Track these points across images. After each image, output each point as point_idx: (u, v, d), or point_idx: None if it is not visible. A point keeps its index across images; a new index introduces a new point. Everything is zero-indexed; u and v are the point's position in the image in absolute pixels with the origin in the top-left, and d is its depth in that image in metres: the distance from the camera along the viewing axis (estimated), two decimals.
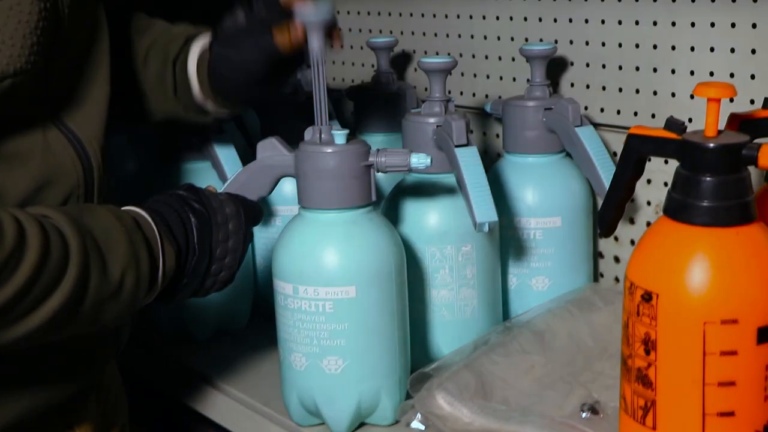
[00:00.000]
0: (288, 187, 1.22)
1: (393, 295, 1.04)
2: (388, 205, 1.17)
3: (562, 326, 1.13)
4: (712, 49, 1.13)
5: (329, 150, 1.01)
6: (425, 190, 1.14)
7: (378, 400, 1.05)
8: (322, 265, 1.01)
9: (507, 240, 1.22)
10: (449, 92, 1.17)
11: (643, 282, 0.82)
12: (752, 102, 1.07)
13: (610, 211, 0.95)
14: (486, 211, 1.05)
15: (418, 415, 1.00)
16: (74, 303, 0.82)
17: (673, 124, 0.85)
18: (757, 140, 0.84)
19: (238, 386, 1.20)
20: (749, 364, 0.78)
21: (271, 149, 1.06)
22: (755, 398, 0.80)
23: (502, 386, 1.02)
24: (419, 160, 1.02)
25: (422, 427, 0.99)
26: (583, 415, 0.99)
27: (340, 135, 1.02)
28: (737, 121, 0.91)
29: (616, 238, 1.29)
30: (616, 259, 1.31)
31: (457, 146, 1.08)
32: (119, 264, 0.86)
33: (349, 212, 1.03)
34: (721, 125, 0.83)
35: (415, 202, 1.14)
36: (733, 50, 1.11)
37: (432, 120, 1.13)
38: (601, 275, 1.33)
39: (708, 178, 0.80)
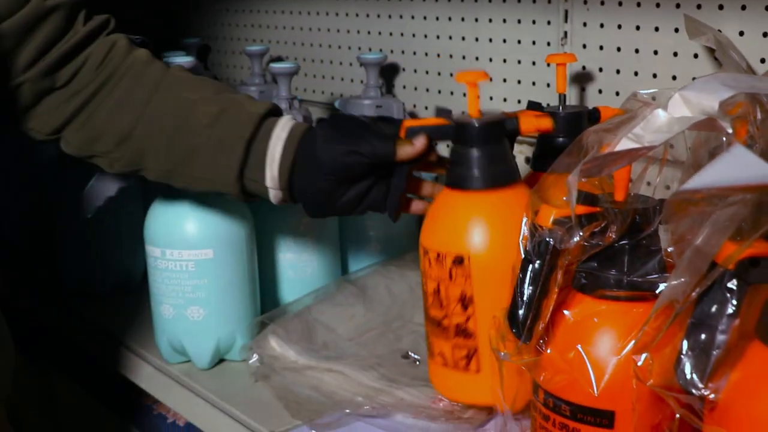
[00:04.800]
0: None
1: (244, 256, 1.08)
2: None
3: (382, 282, 1.17)
4: (504, 60, 1.19)
5: None
6: None
7: (233, 342, 1.08)
8: (184, 233, 1.04)
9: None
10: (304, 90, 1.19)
11: (451, 248, 0.83)
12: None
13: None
14: None
15: (255, 355, 1.03)
16: None
17: (442, 111, 0.87)
18: None
19: (123, 332, 1.22)
20: None
21: None
22: None
23: (325, 332, 1.07)
24: None
25: (258, 364, 1.03)
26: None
27: None
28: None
29: None
30: None
31: None
32: None
33: None
34: None
35: None
36: (519, 62, 1.17)
37: None
38: None
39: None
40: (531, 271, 0.70)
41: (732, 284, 0.57)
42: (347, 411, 0.95)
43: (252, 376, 1.03)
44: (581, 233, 0.66)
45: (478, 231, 0.82)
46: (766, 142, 0.73)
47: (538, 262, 0.69)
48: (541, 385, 0.73)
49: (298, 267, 1.18)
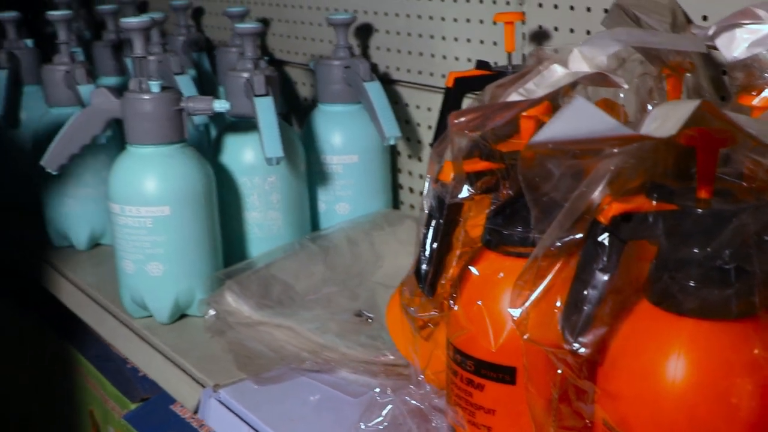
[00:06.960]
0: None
1: (202, 213, 1.09)
2: (215, 143, 1.21)
3: (345, 241, 1.18)
4: (468, 20, 1.17)
5: (147, 97, 1.05)
6: (240, 130, 1.18)
7: (193, 297, 1.10)
8: (142, 190, 1.06)
9: (316, 173, 1.26)
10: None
11: None
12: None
13: None
14: (274, 149, 1.08)
15: (211, 310, 1.04)
16: None
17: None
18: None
19: (95, 286, 1.24)
20: None
21: (102, 96, 1.10)
22: None
23: (282, 288, 1.07)
24: (220, 105, 1.07)
25: (213, 319, 1.04)
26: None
27: (155, 84, 1.06)
28: (453, 78, 0.95)
29: (409, 173, 1.35)
30: (411, 190, 1.36)
31: (255, 96, 1.11)
32: None
33: (164, 147, 1.07)
34: None
35: (232, 140, 1.18)
36: (482, 21, 1.15)
37: (244, 75, 1.16)
38: (402, 203, 1.38)
39: None
40: (433, 227, 0.70)
41: (603, 239, 0.57)
42: (291, 366, 0.97)
43: (207, 331, 1.05)
44: (470, 189, 0.66)
45: None
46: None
47: (439, 218, 0.69)
48: (451, 341, 0.73)
49: (264, 225, 1.19)
